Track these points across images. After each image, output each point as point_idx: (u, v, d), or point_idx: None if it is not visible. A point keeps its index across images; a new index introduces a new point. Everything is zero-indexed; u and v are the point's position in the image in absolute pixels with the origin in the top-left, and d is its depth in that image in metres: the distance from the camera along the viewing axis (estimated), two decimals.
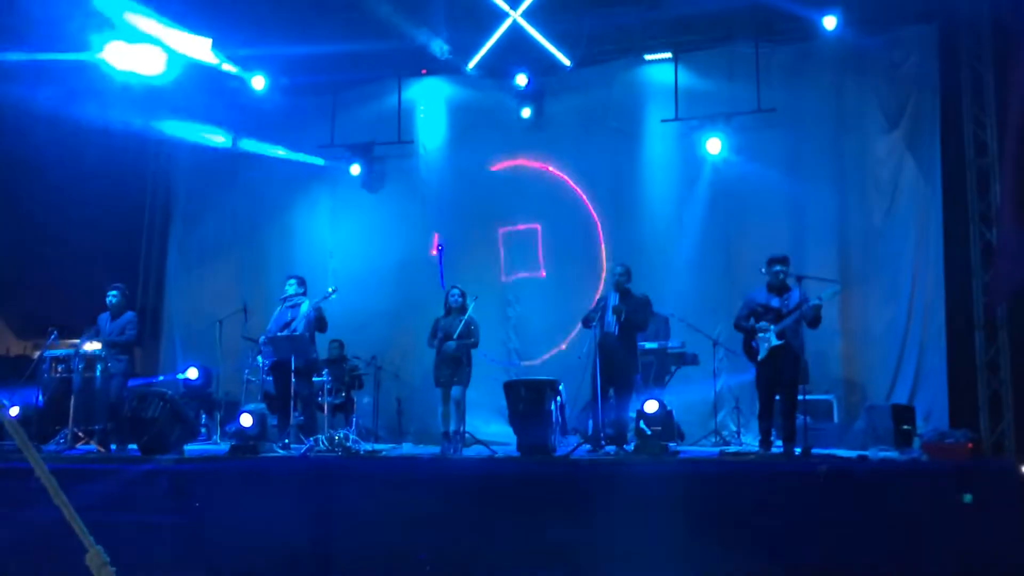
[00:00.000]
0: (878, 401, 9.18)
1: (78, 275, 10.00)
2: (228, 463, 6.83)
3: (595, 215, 10.85)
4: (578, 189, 10.94)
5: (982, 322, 9.27)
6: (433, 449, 8.22)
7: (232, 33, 10.52)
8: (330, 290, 8.62)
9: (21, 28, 9.12)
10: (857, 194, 10.07)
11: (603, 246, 10.69)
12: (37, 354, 8.70)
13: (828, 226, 10.01)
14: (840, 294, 7.34)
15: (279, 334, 8.32)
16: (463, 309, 8.21)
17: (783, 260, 7.28)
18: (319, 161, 11.61)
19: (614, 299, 7.76)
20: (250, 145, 11.87)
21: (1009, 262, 8.61)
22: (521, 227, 11.10)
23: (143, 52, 9.98)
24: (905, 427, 7.33)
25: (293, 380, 7.94)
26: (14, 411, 7.27)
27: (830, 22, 9.63)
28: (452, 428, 7.92)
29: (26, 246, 9.94)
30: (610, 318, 7.62)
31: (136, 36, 9.95)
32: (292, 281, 8.74)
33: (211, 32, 10.49)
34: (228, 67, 10.96)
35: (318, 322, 8.55)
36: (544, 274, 10.94)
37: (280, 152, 11.64)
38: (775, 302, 7.14)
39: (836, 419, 8.92)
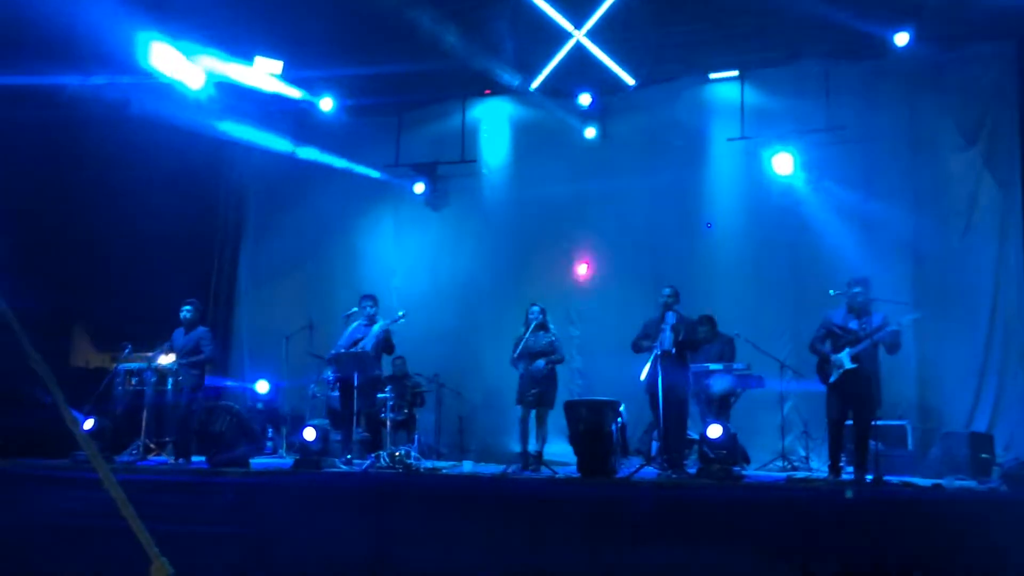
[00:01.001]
0: (956, 428, 8.85)
1: (154, 290, 10.28)
2: (292, 477, 6.91)
3: (658, 235, 10.75)
4: (640, 209, 10.85)
5: None
6: (494, 468, 8.20)
7: (301, 56, 10.78)
8: (400, 314, 8.77)
9: (112, 57, 9.54)
10: (932, 213, 9.77)
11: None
12: (113, 367, 8.97)
13: (902, 246, 9.74)
14: (921, 319, 7.09)
15: (348, 351, 8.45)
16: (544, 326, 8.20)
17: (862, 282, 7.08)
18: (374, 174, 11.75)
19: (671, 317, 7.64)
20: (317, 164, 12.14)
21: None
22: (583, 246, 11.04)
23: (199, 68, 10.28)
24: (983, 456, 7.04)
25: (356, 396, 8.01)
26: (88, 424, 7.48)
27: (902, 39, 9.41)
28: (535, 449, 7.85)
29: (105, 261, 10.27)
30: (668, 335, 7.51)
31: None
32: (367, 301, 8.91)
33: (282, 55, 10.77)
34: (293, 91, 11.20)
35: (386, 343, 8.68)
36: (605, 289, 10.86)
37: (346, 166, 11.83)
38: (853, 324, 6.94)
39: (910, 446, 8.60)
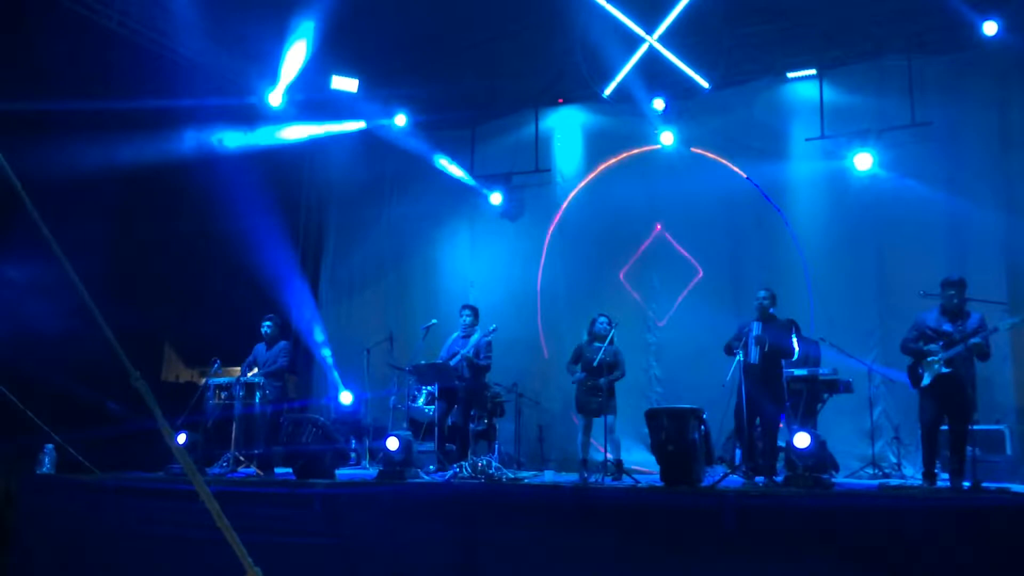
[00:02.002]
0: None
1: (240, 306, 10.59)
2: (377, 488, 7.01)
3: (737, 238, 10.59)
4: (718, 213, 10.71)
5: None
6: (575, 477, 8.17)
7: (375, 74, 11.01)
8: (492, 327, 8.90)
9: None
10: None
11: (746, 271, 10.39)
12: (203, 382, 9.26)
13: (993, 246, 9.34)
14: (1019, 325, 6.78)
15: (429, 363, 8.68)
16: (606, 337, 8.18)
17: (957, 284, 6.80)
18: (468, 179, 11.84)
19: (756, 328, 7.49)
20: (393, 178, 12.38)
21: None
22: (656, 256, 10.96)
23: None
24: None
25: (439, 406, 8.15)
26: (181, 438, 7.74)
27: (991, 28, 9.07)
28: (596, 457, 7.87)
29: (192, 280, 10.63)
30: (753, 348, 7.37)
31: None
32: (468, 312, 9.08)
33: (357, 74, 11.02)
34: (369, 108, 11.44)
35: (472, 360, 8.81)
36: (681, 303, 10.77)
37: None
38: (947, 327, 6.68)
39: (1008, 451, 8.25)
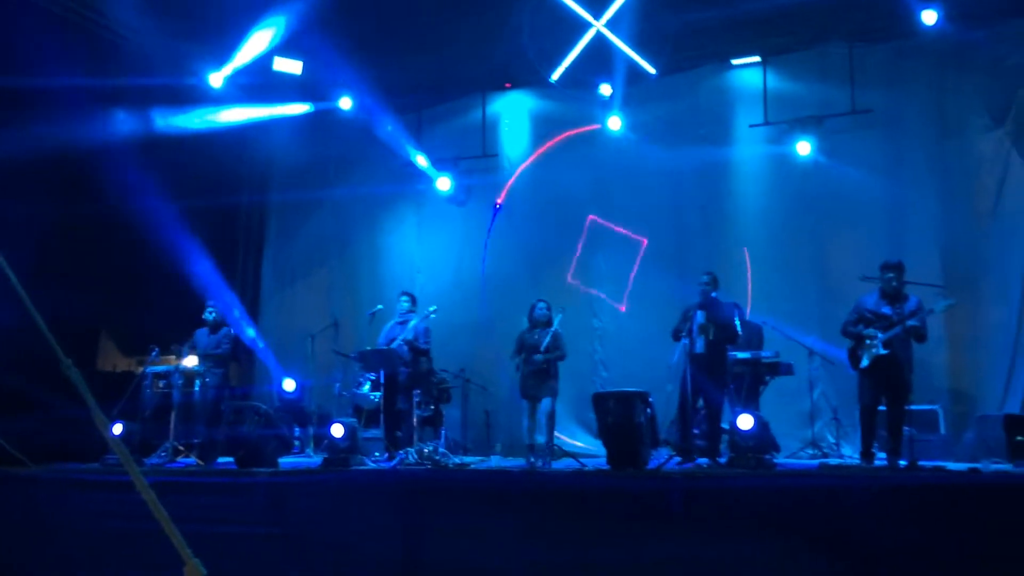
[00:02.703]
0: (988, 411, 8.72)
1: (178, 293, 10.35)
2: (321, 475, 6.92)
3: (682, 224, 10.67)
4: (663, 198, 10.77)
5: None
6: (521, 462, 8.19)
7: (318, 54, 10.78)
8: (431, 309, 8.83)
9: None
10: (961, 195, 9.62)
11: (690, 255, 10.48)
12: (140, 370, 9.04)
13: (930, 230, 9.57)
14: (955, 306, 6.95)
15: (376, 348, 8.57)
16: (549, 323, 8.16)
17: (896, 267, 6.96)
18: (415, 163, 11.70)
19: (700, 316, 7.53)
20: (338, 163, 12.18)
21: None
22: (606, 237, 11.00)
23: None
24: (1019, 438, 6.90)
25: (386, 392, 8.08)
26: (117, 428, 7.53)
27: (930, 17, 9.23)
28: (541, 440, 7.89)
29: (129, 266, 10.33)
30: (698, 337, 7.41)
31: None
32: (405, 298, 9.03)
33: (301, 56, 10.79)
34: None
35: (414, 344, 8.75)
36: (625, 298, 10.83)
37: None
38: (886, 309, 6.84)
39: (942, 430, 8.48)
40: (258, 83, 11.17)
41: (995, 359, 9.21)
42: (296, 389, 10.66)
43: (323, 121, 11.79)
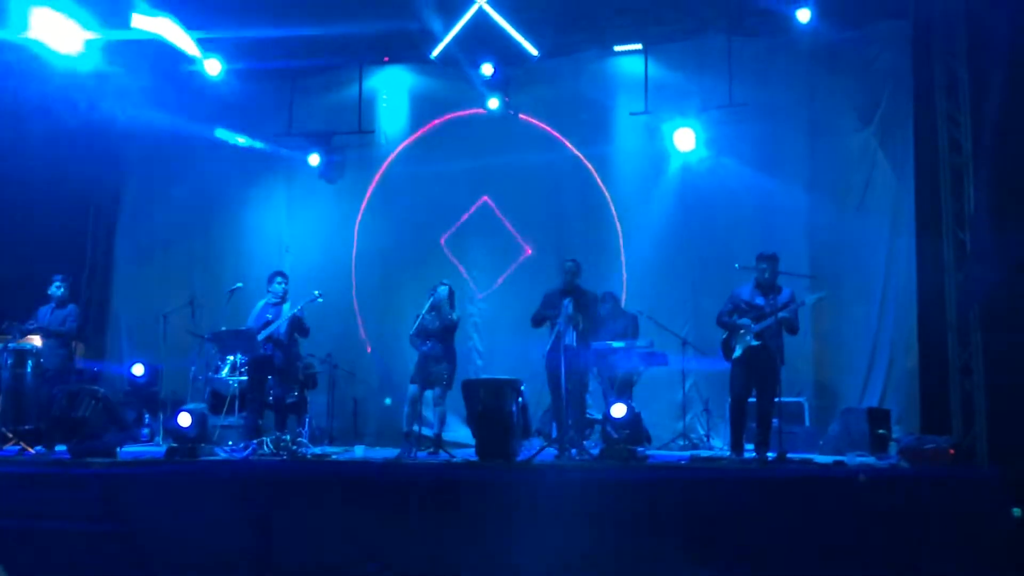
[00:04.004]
0: (849, 404, 8.95)
1: (20, 266, 9.52)
2: (164, 467, 6.37)
3: (561, 210, 10.52)
4: (543, 183, 10.61)
5: (955, 324, 9.09)
6: (390, 452, 7.84)
7: (185, 14, 10.03)
8: (316, 294, 8.40)
9: None
10: (829, 191, 9.82)
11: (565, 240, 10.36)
12: None
13: (799, 225, 9.73)
14: (824, 298, 7.02)
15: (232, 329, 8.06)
16: (445, 306, 7.87)
17: (770, 258, 6.98)
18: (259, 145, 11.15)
19: (569, 306, 7.33)
20: (203, 132, 11.39)
21: (983, 264, 8.43)
22: (484, 221, 10.74)
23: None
24: (880, 431, 7.08)
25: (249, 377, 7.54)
26: None
27: (804, 15, 9.33)
28: (427, 432, 7.58)
29: None
30: (568, 329, 7.19)
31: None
32: (279, 279, 8.44)
33: (166, 11, 10.00)
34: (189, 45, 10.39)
35: (300, 326, 8.33)
36: (500, 281, 10.66)
37: (241, 140, 11.15)
38: (760, 300, 6.85)
39: (807, 423, 8.65)
40: (115, 42, 10.32)
41: (857, 354, 9.45)
42: (145, 373, 9.95)
43: (187, 86, 11.01)
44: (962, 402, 8.79)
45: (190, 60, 10.57)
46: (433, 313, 7.89)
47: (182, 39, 10.06)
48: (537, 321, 7.44)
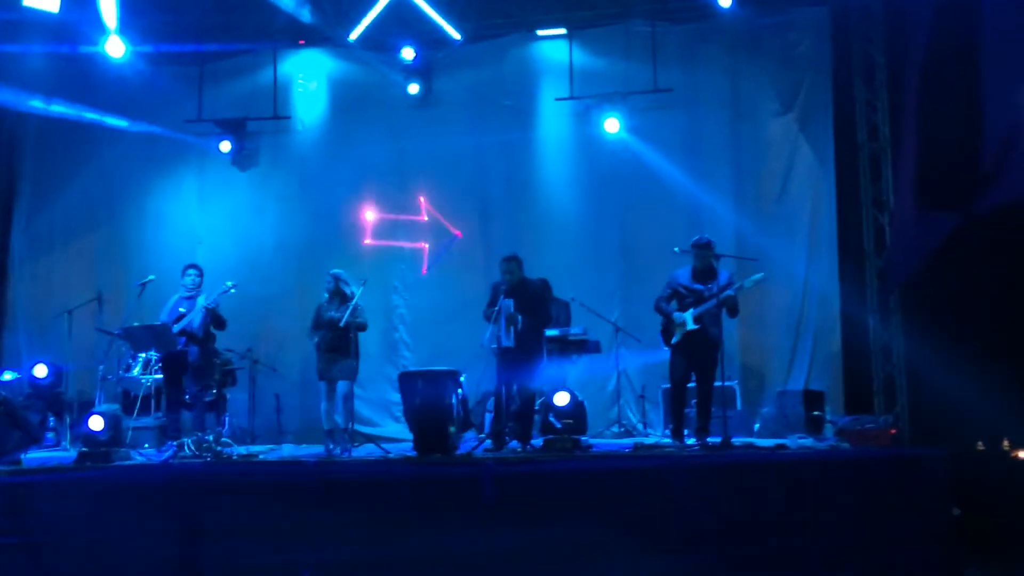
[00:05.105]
0: (775, 388, 9.06)
1: None
2: (75, 473, 5.91)
3: (486, 197, 10.33)
4: (466, 170, 10.40)
5: (876, 307, 9.31)
6: (316, 449, 7.51)
7: None
8: (229, 284, 7.94)
9: None
10: (751, 177, 9.95)
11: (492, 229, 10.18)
12: None
13: (724, 210, 9.77)
14: (763, 282, 6.99)
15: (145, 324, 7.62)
16: (339, 293, 7.52)
17: (706, 244, 6.91)
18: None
19: (509, 305, 6.96)
20: (107, 119, 10.73)
21: (903, 247, 8.62)
22: (405, 210, 10.45)
23: None
24: (816, 413, 7.14)
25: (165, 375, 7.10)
26: None
27: (725, 0, 9.37)
28: (341, 425, 7.26)
29: None
30: (507, 328, 6.84)
31: None
32: (192, 271, 7.97)
33: None
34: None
35: (215, 319, 7.92)
36: (425, 271, 10.43)
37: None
38: (698, 285, 6.77)
39: (739, 406, 8.69)
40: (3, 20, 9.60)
41: (781, 337, 9.60)
42: (49, 374, 9.33)
43: (87, 69, 10.35)
44: (884, 384, 9.05)
45: (91, 41, 9.95)
46: (332, 302, 7.53)
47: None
48: (488, 316, 7.07)
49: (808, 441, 6.79)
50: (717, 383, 7.10)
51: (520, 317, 6.87)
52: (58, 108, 10.59)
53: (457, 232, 10.32)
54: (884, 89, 9.46)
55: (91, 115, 10.59)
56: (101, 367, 8.78)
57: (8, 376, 9.47)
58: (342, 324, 7.23)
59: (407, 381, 6.50)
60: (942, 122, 7.13)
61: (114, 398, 8.36)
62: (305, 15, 10.00)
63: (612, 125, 9.80)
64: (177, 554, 5.32)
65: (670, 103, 9.92)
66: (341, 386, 7.34)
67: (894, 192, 9.22)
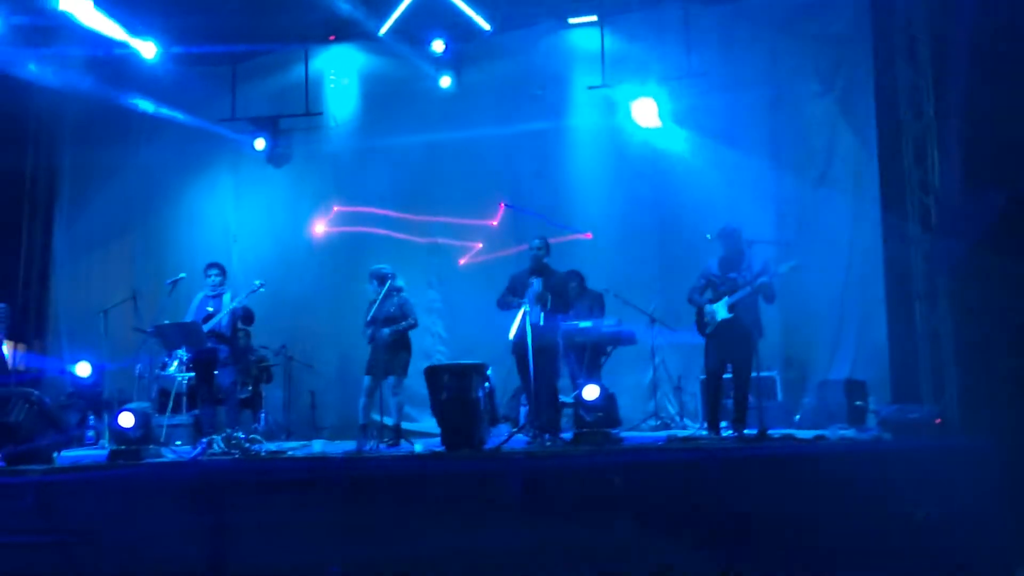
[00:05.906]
0: (817, 377, 8.79)
1: None
2: (106, 472, 5.93)
3: (519, 189, 10.19)
4: (498, 161, 10.29)
5: (923, 292, 8.96)
6: (349, 445, 7.46)
7: None
8: (257, 283, 7.89)
9: None
10: (792, 160, 9.66)
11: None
12: None
13: (764, 194, 9.53)
14: (798, 268, 6.77)
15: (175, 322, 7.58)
16: (394, 289, 7.48)
17: (732, 232, 6.72)
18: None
19: (537, 284, 6.99)
20: (142, 118, 10.81)
21: (950, 228, 8.29)
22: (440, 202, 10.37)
23: None
24: (858, 403, 6.88)
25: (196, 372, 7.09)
26: None
27: None
28: (388, 422, 7.23)
29: None
30: (535, 307, 6.83)
31: None
32: (213, 271, 7.99)
33: None
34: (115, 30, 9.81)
35: (245, 316, 7.97)
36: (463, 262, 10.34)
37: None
38: (732, 273, 6.57)
39: (779, 397, 8.44)
40: (41, 24, 9.71)
41: (823, 324, 9.31)
42: (92, 373, 9.43)
43: (123, 71, 10.43)
44: (932, 372, 8.70)
45: (122, 44, 10.03)
46: (388, 299, 7.49)
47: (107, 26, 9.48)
48: (503, 304, 7.08)
49: (849, 432, 6.54)
50: (754, 373, 6.89)
51: (549, 296, 6.82)
52: (94, 107, 10.68)
53: (492, 222, 10.19)
54: (927, 66, 9.08)
55: (139, 104, 10.61)
56: (138, 365, 8.86)
57: (84, 366, 9.54)
58: (381, 317, 7.22)
59: (434, 375, 6.38)
60: (991, 98, 6.84)
61: (150, 396, 8.42)
62: (342, 7, 9.95)
63: (645, 112, 9.59)
64: (205, 551, 5.28)
65: (706, 88, 9.68)
66: (390, 380, 7.34)
67: (940, 172, 8.86)
